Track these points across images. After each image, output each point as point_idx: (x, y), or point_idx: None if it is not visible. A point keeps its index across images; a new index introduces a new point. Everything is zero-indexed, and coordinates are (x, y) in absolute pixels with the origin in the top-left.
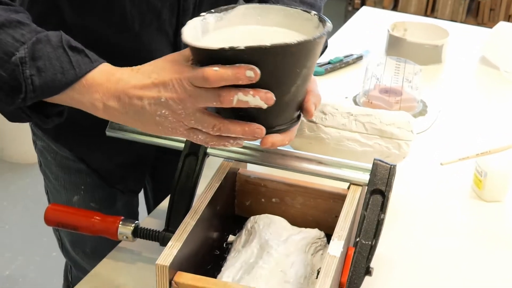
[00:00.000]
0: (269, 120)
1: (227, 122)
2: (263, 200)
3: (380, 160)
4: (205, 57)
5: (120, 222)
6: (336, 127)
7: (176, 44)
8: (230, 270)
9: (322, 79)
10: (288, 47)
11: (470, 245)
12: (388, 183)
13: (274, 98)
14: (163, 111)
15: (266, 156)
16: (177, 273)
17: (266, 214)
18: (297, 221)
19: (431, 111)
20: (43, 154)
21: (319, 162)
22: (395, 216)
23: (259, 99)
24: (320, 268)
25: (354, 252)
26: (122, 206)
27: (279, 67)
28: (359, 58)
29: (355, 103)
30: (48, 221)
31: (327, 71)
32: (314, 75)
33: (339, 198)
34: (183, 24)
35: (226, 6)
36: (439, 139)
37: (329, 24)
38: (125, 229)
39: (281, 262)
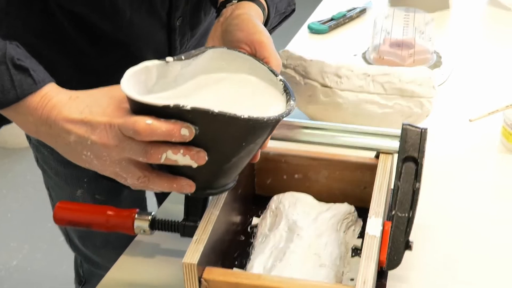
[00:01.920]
0: (201, 181)
1: (154, 175)
2: (285, 177)
3: (409, 125)
4: (143, 108)
5: (136, 215)
6: (352, 90)
7: (170, 26)
8: (260, 258)
9: (326, 38)
10: (237, 120)
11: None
12: (421, 149)
13: (206, 158)
14: (88, 153)
15: (284, 131)
16: (206, 269)
17: (291, 192)
18: (323, 196)
19: (446, 62)
20: (38, 149)
21: (343, 131)
22: (426, 181)
23: (189, 158)
24: (354, 246)
25: (391, 227)
26: (128, 194)
27: (224, 135)
28: (363, 11)
29: (365, 60)
30: (58, 220)
31: (331, 28)
32: (318, 33)
33: (367, 168)
34: (177, 5)
35: (196, 51)
36: (459, 92)
37: (292, 103)
38: (141, 223)
39: (313, 244)
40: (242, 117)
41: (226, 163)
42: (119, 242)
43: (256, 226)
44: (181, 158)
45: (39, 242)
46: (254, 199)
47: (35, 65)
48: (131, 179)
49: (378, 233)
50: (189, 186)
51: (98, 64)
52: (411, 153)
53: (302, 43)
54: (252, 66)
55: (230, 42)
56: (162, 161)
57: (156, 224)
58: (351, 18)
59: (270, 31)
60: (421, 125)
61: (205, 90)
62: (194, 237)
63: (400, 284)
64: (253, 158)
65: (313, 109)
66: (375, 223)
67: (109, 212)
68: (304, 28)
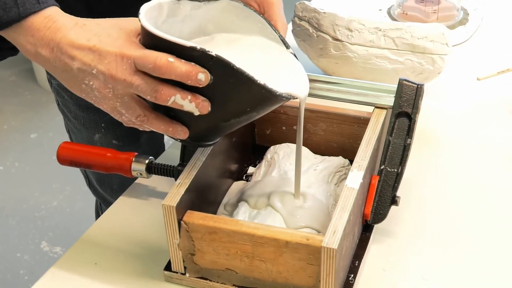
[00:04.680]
0: (193, 131)
1: (153, 116)
2: (283, 128)
3: (406, 80)
4: (164, 46)
5: (134, 158)
6: (363, 44)
7: None
8: (246, 205)
9: None
10: (253, 83)
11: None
12: (415, 105)
13: (209, 109)
14: (91, 82)
15: None
16: (187, 212)
17: (287, 143)
18: (321, 149)
19: (473, 19)
20: (59, 93)
21: (339, 84)
22: (427, 138)
23: (194, 106)
24: None
25: (379, 181)
26: (145, 141)
27: (233, 94)
28: None
29: (389, 15)
30: (61, 160)
31: None
32: None
33: (365, 123)
34: None
35: None
36: (481, 51)
37: (305, 88)
38: (138, 166)
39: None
40: (258, 82)
41: (224, 121)
42: None
43: (251, 175)
44: (187, 104)
45: (80, 185)
46: (254, 149)
47: None
48: (129, 116)
49: (357, 186)
50: (183, 133)
51: (110, 4)
52: (405, 108)
53: None
54: (263, 30)
55: None
56: (169, 103)
57: (153, 168)
58: None
59: None
60: (433, 82)
61: (219, 48)
62: (177, 181)
63: (385, 239)
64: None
65: (324, 62)
66: (356, 176)
67: (108, 154)
68: None
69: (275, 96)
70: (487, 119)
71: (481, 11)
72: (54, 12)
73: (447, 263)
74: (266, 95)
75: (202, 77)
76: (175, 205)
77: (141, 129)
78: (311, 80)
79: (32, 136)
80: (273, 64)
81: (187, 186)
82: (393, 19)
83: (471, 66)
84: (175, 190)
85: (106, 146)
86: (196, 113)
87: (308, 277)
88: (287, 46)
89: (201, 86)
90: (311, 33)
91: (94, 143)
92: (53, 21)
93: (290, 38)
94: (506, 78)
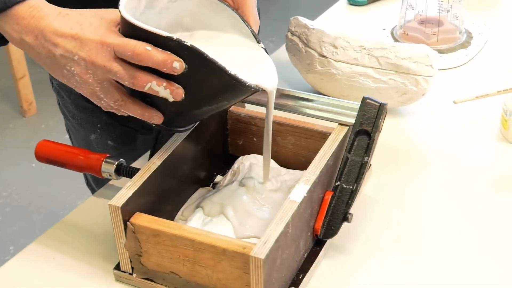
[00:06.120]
0: (169, 117)
1: (130, 101)
2: (255, 139)
3: (369, 98)
4: (142, 35)
5: (104, 160)
6: (347, 62)
7: None
8: (201, 213)
9: (363, 10)
10: (224, 73)
11: (485, 189)
12: (376, 124)
13: (183, 96)
14: (72, 68)
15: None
16: (136, 214)
17: (254, 154)
18: (289, 162)
19: (476, 43)
20: (59, 92)
21: (306, 100)
22: (408, 158)
23: (169, 92)
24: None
25: (333, 197)
26: (141, 143)
27: (206, 83)
28: None
29: (392, 35)
30: (38, 157)
31: (370, 1)
32: (356, 5)
33: None
34: None
35: None
36: (476, 75)
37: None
38: (108, 167)
39: (254, 204)
40: (229, 72)
41: (196, 108)
42: None
43: (218, 183)
44: (162, 90)
45: None
46: (228, 158)
47: None
48: (108, 101)
49: (299, 199)
50: (158, 118)
51: None
52: (365, 126)
53: (338, 14)
54: (236, 24)
55: None
56: (145, 89)
57: (122, 171)
58: None
59: None
60: (418, 103)
61: (197, 43)
62: (128, 183)
63: (337, 255)
64: None
65: (311, 78)
66: (301, 189)
67: (81, 154)
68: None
69: (244, 86)
70: (470, 141)
71: (486, 35)
72: (38, 2)
73: (394, 283)
74: (236, 85)
75: (177, 65)
76: (120, 205)
77: (118, 114)
78: (280, 95)
79: (66, 136)
80: (244, 58)
81: (136, 188)
82: (395, 39)
83: (465, 89)
84: (124, 191)
85: (102, 147)
86: (171, 99)
87: (245, 286)
88: (258, 41)
89: (176, 74)
90: (300, 48)
91: (91, 143)
92: (38, 10)
93: (282, 53)
94: (495, 101)
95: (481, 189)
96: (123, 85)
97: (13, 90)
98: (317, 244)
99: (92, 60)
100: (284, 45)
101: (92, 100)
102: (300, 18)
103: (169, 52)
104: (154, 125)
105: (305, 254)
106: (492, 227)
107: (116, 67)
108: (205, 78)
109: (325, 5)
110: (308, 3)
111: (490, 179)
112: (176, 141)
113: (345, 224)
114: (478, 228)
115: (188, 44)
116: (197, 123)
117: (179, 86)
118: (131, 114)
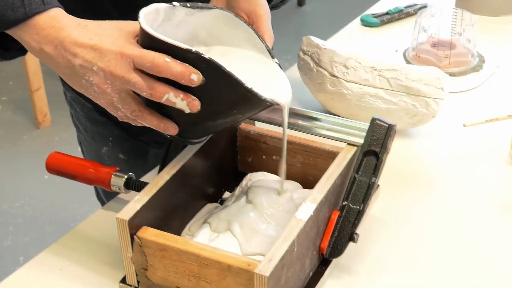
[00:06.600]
0: (184, 129)
1: (147, 112)
2: (264, 157)
3: (378, 119)
4: (161, 47)
5: (114, 173)
6: (358, 82)
7: None
8: (208, 229)
9: (376, 31)
10: (240, 86)
11: (493, 210)
12: (384, 145)
13: (199, 108)
14: (91, 78)
15: (264, 112)
16: (143, 228)
17: (263, 172)
18: (298, 181)
19: (488, 66)
20: (72, 105)
21: (314, 119)
22: (416, 179)
23: (185, 104)
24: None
25: (340, 216)
26: (152, 156)
27: (222, 95)
28: (423, 7)
29: (404, 57)
30: (49, 169)
31: (383, 22)
32: (369, 26)
33: None
34: None
35: (202, 5)
36: (487, 98)
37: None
38: (118, 180)
39: (261, 222)
40: (245, 85)
41: (211, 120)
42: None
43: (226, 200)
44: (179, 102)
45: None
46: (237, 175)
47: None
48: (125, 111)
49: (305, 218)
50: (173, 129)
51: (110, 7)
52: (374, 147)
53: (351, 34)
54: (251, 39)
55: (232, 8)
56: (163, 100)
57: (131, 184)
58: (408, 14)
59: (271, 8)
60: (427, 125)
61: (214, 57)
62: (136, 197)
63: (343, 275)
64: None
65: (322, 97)
66: (308, 208)
67: (91, 167)
68: (357, 20)
69: (259, 99)
70: (479, 164)
71: (498, 59)
72: (58, 13)
73: None
74: (251, 98)
75: (195, 77)
76: (127, 219)
77: (133, 124)
78: (290, 114)
79: (79, 149)
80: (259, 72)
81: (144, 203)
82: (407, 61)
83: (473, 112)
84: (132, 205)
85: (113, 160)
86: (187, 111)
87: None
88: (273, 56)
89: (193, 86)
90: (311, 68)
91: (102, 156)
92: (57, 20)
93: (295, 72)
94: (505, 125)
95: (489, 211)
96: (140, 96)
97: (28, 102)
98: (323, 263)
99: (111, 70)
100: (297, 64)
101: (108, 110)
102: (312, 38)
103: (187, 64)
104: (169, 136)
105: (311, 273)
106: (500, 249)
107: (135, 77)
108: (222, 91)
109: (340, 25)
110: (322, 23)
111: (499, 201)
112: (185, 156)
113: (351, 244)
114: (486, 249)
115: (207, 56)
116: (210, 135)
117: (195, 98)
118: (146, 125)
